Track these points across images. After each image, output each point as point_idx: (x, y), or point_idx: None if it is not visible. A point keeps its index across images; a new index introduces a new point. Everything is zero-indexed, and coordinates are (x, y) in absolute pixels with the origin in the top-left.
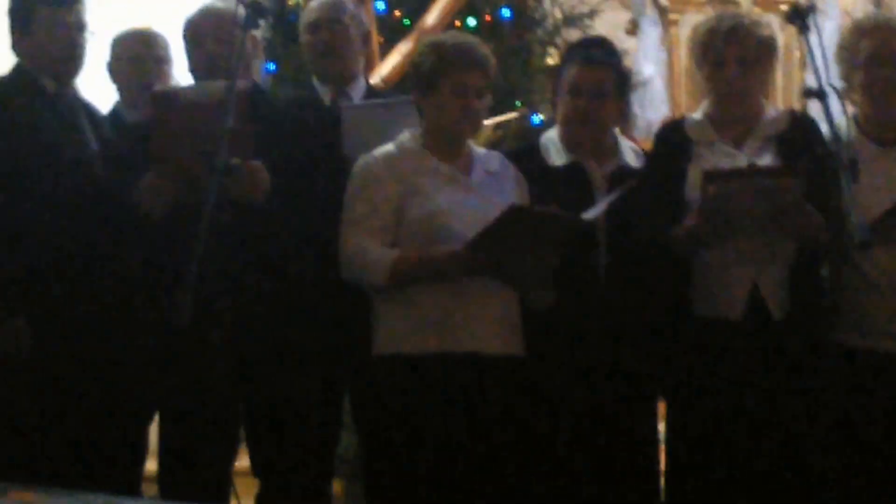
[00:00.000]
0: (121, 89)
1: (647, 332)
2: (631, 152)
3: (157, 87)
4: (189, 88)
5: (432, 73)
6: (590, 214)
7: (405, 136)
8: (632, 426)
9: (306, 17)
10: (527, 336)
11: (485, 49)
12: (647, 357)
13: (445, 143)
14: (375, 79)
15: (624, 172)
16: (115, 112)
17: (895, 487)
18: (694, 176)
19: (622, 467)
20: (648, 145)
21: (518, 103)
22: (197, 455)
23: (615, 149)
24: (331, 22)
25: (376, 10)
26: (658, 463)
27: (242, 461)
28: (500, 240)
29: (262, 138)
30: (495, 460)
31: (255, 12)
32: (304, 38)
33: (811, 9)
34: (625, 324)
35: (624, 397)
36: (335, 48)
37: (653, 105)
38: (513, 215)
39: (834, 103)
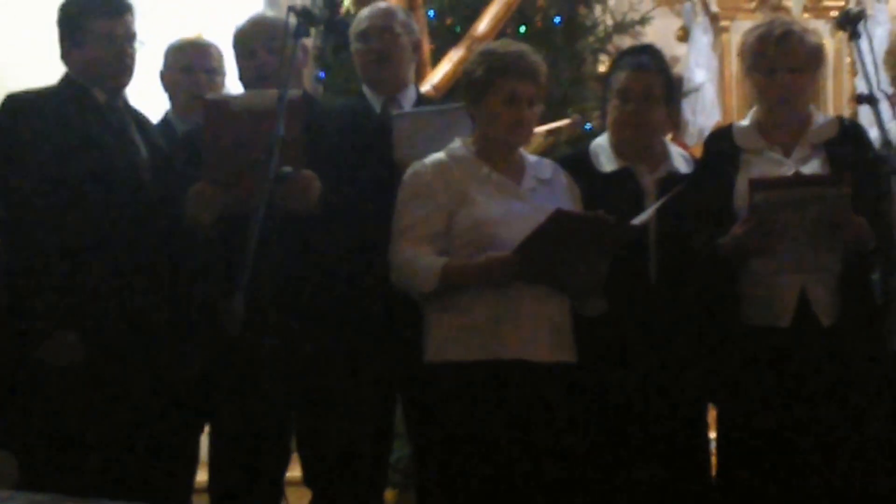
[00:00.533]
0: (172, 99)
1: (697, 339)
2: (681, 158)
3: (209, 95)
4: (240, 96)
5: (483, 81)
6: (637, 220)
7: (456, 143)
8: (682, 433)
9: (357, 25)
10: (579, 342)
11: (536, 57)
12: (697, 364)
13: (496, 151)
14: (426, 86)
15: (674, 178)
16: (165, 121)
17: None
18: (742, 184)
19: (673, 473)
20: (700, 152)
21: (570, 110)
22: (248, 465)
23: (665, 155)
24: (382, 30)
25: (427, 17)
26: (709, 470)
27: (294, 471)
28: (547, 245)
29: (313, 146)
30: (547, 467)
31: (306, 21)
32: (355, 46)
33: (861, 15)
34: (675, 330)
35: (674, 404)
36: (387, 56)
37: (704, 112)
38: (559, 220)
39: (885, 109)
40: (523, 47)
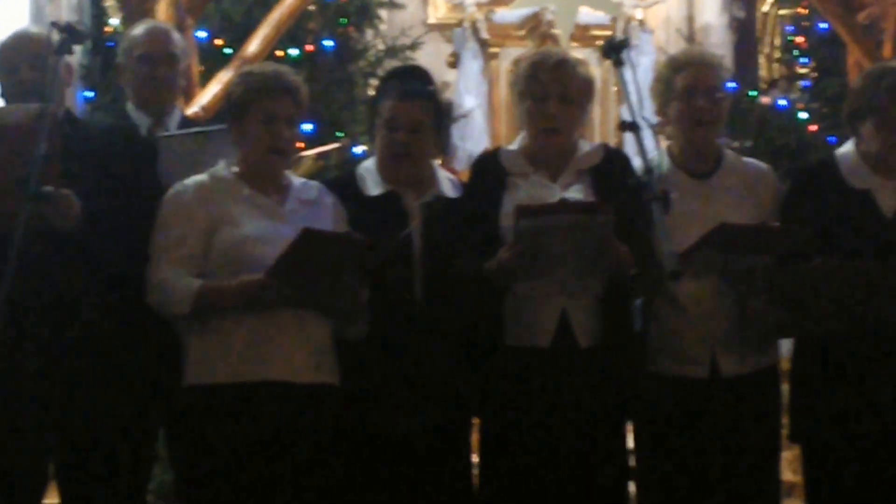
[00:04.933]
0: None
1: (462, 359)
2: (448, 183)
3: None
4: None
5: (242, 102)
6: (392, 239)
7: (219, 165)
8: (449, 453)
9: (135, 46)
10: (346, 363)
11: (294, 77)
12: (462, 384)
13: (258, 172)
14: (195, 108)
15: (440, 202)
16: None
17: None
18: (508, 206)
19: (439, 493)
20: (468, 176)
21: (340, 134)
22: (5, 491)
23: (432, 179)
24: (169, 57)
25: (197, 38)
26: (471, 488)
27: (52, 497)
28: (300, 265)
29: (76, 165)
30: (311, 489)
31: (70, 38)
32: (134, 68)
33: (625, 43)
34: (441, 351)
35: (440, 423)
36: (172, 84)
37: (473, 137)
38: (307, 239)
39: (647, 136)
40: (281, 68)
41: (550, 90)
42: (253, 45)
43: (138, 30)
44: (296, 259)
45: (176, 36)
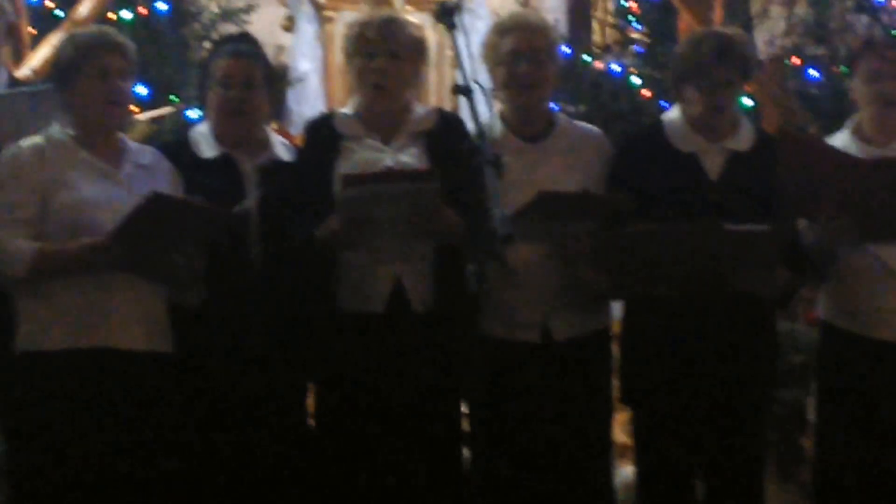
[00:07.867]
0: None
1: (298, 325)
2: (281, 146)
3: None
4: None
5: (72, 61)
6: (237, 208)
7: (54, 128)
8: (286, 418)
9: None
10: (182, 330)
11: (122, 36)
12: (299, 349)
13: (94, 133)
14: (25, 70)
15: (274, 165)
16: None
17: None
18: (341, 171)
19: (274, 456)
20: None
21: (173, 98)
22: None
23: (266, 142)
24: None
25: (27, 1)
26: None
27: None
28: (143, 230)
29: None
30: (143, 457)
31: None
32: None
33: (457, 7)
34: (278, 316)
35: (278, 389)
36: None
37: (308, 101)
38: (155, 203)
39: (480, 100)
40: (105, 27)
41: (378, 48)
42: (84, 8)
43: None
44: (141, 222)
45: None
